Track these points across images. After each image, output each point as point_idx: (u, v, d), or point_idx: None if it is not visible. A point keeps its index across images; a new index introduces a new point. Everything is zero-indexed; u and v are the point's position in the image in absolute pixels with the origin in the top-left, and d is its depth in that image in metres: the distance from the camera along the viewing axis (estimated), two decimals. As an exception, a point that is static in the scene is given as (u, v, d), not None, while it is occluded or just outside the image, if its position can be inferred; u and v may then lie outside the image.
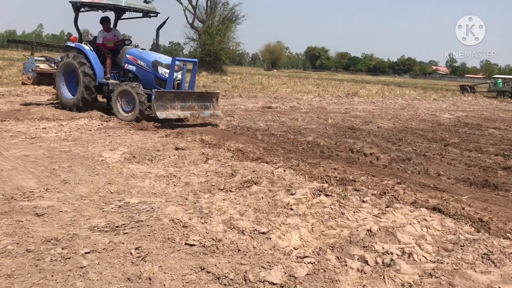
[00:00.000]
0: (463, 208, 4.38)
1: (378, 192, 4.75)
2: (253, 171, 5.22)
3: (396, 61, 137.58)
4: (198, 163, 5.71)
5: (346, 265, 3.00)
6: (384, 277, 2.84)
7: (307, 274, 2.84)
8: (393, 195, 4.70)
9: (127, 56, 9.69)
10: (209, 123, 9.44)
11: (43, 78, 10.89)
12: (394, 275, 2.87)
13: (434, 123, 12.41)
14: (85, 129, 7.70)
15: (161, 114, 8.36)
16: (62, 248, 3.03)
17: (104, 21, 10.26)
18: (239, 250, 3.15)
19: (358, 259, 3.09)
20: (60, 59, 10.38)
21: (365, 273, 2.91)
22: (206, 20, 42.00)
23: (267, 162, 5.82)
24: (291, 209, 4.00)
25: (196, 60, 10.16)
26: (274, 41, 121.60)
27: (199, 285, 2.68)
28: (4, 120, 7.95)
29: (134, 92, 8.83)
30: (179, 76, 9.61)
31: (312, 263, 2.96)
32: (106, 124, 8.29)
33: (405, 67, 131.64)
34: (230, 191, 4.56)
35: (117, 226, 3.46)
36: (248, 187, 4.66)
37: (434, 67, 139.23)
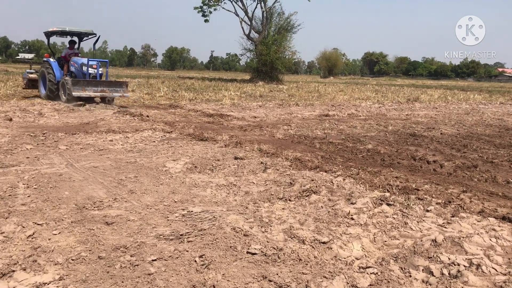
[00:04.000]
0: (536, 218, 4.14)
1: (443, 201, 4.60)
2: (312, 180, 5.22)
3: (459, 64, 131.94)
4: (257, 172, 5.79)
5: (410, 276, 2.93)
6: (451, 290, 2.75)
7: (370, 285, 2.81)
8: (458, 204, 4.53)
9: (71, 62, 14.88)
10: (265, 134, 9.54)
11: (33, 83, 16.76)
12: (462, 287, 2.77)
13: (501, 128, 11.80)
14: (149, 140, 8.02)
15: (76, 94, 13.20)
16: (131, 256, 3.18)
17: (70, 42, 15.92)
18: (300, 259, 3.17)
19: (422, 270, 3.01)
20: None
21: (430, 285, 2.83)
22: (262, 31, 42.47)
23: (326, 171, 5.80)
24: (352, 218, 3.97)
25: (106, 60, 15.97)
26: (330, 48, 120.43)
27: (261, 294, 2.72)
28: (74, 133, 8.44)
29: (65, 82, 13.83)
30: (94, 71, 14.38)
31: (375, 274, 2.92)
32: (168, 136, 8.59)
33: (468, 70, 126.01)
34: (289, 200, 4.59)
35: (181, 235, 3.58)
36: (307, 196, 4.66)
37: (500, 69, 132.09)
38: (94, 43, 15.91)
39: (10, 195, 4.52)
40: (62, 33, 15.33)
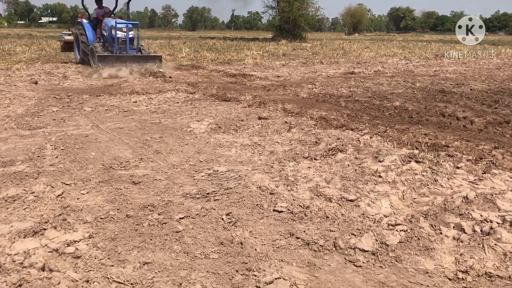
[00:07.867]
0: None
1: (474, 158, 4.47)
2: (338, 139, 5.13)
3: (490, 17, 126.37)
4: (282, 132, 5.73)
5: (441, 233, 2.87)
6: (483, 246, 2.68)
7: (399, 242, 2.76)
8: (490, 161, 4.40)
9: (103, 24, 13.60)
10: (289, 93, 9.40)
11: (69, 46, 15.76)
12: (495, 244, 2.70)
13: (536, 83, 11.33)
14: (173, 101, 8.00)
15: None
16: (159, 214, 3.21)
17: (97, 1, 14.25)
18: (327, 217, 3.14)
19: (454, 227, 2.94)
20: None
21: (462, 242, 2.77)
22: (284, -13, 41.22)
23: (352, 129, 5.69)
24: (380, 176, 3.89)
25: (136, 22, 14.15)
26: (355, 3, 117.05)
27: (289, 251, 2.72)
28: (99, 95, 8.48)
29: (94, 49, 12.81)
30: (124, 35, 12.83)
31: (404, 231, 2.87)
32: (192, 96, 8.55)
33: (500, 24, 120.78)
34: (315, 159, 4.53)
35: (208, 193, 3.59)
36: (333, 155, 4.59)
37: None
38: (128, 2, 14.54)
39: (38, 156, 4.60)
40: None
